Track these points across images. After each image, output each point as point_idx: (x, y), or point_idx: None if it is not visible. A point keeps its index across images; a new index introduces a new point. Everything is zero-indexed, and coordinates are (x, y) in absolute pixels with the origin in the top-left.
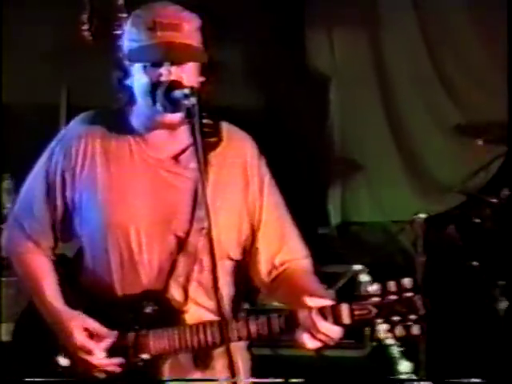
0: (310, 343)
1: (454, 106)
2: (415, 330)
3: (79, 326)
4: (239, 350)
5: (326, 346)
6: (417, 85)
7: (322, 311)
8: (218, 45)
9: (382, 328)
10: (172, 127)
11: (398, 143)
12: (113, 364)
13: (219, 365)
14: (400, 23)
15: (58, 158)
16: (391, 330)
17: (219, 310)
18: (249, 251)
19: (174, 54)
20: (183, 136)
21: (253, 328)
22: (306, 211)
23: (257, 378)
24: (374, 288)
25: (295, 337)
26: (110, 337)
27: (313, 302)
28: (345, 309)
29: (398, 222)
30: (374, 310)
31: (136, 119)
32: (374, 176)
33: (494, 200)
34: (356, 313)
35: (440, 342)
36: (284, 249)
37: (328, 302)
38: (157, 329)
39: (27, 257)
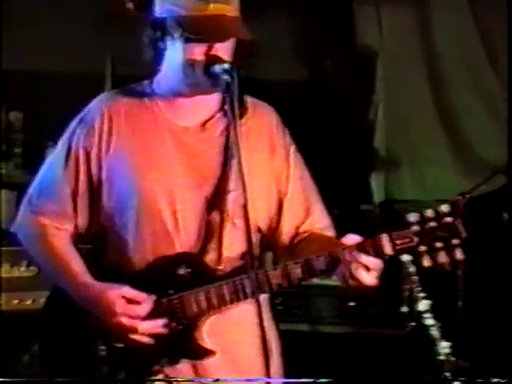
0: (354, 278)
1: (502, 85)
2: (459, 254)
3: (116, 294)
4: (270, 324)
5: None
6: (465, 64)
7: (362, 246)
8: (263, 19)
9: (427, 256)
10: (203, 97)
11: (443, 122)
12: (158, 325)
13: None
14: (450, 1)
15: (79, 138)
16: (434, 257)
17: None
18: (273, 220)
19: (226, 31)
20: (211, 104)
21: (293, 273)
22: (349, 188)
23: (290, 354)
24: (412, 217)
25: (336, 277)
26: (148, 300)
27: (351, 239)
28: (385, 239)
29: (441, 200)
30: (416, 239)
31: (162, 87)
32: (418, 154)
33: None
34: (397, 242)
35: (480, 324)
36: (309, 220)
37: (365, 238)
38: (192, 290)
39: (50, 241)
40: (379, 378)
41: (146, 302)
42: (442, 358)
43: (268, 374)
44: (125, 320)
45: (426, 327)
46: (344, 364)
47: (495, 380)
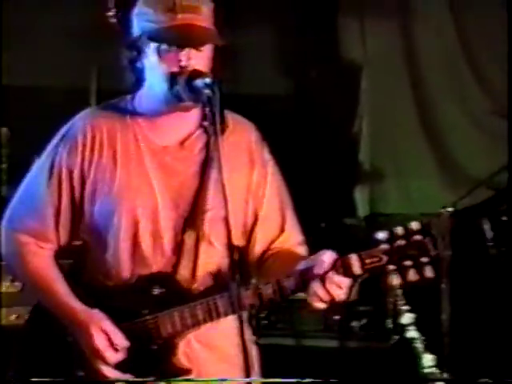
0: (324, 297)
1: (486, 98)
2: (428, 272)
3: (99, 328)
4: (249, 337)
5: (336, 303)
6: (448, 76)
7: (332, 264)
8: (247, 33)
9: (395, 274)
10: (184, 111)
11: (428, 135)
12: (124, 377)
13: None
14: (432, 13)
15: (62, 155)
16: (404, 275)
17: (231, 278)
18: (248, 236)
19: (196, 37)
20: (190, 120)
21: (264, 293)
22: (333, 202)
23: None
24: (381, 235)
25: (307, 296)
26: (124, 346)
27: (323, 256)
28: (355, 259)
29: (426, 214)
30: (385, 257)
31: (143, 104)
32: (403, 167)
33: None
34: (366, 261)
35: (464, 336)
36: (282, 236)
37: (335, 256)
38: (167, 310)
39: (32, 260)
40: None
41: (121, 351)
42: (426, 370)
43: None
44: (97, 360)
45: (410, 340)
46: (329, 378)
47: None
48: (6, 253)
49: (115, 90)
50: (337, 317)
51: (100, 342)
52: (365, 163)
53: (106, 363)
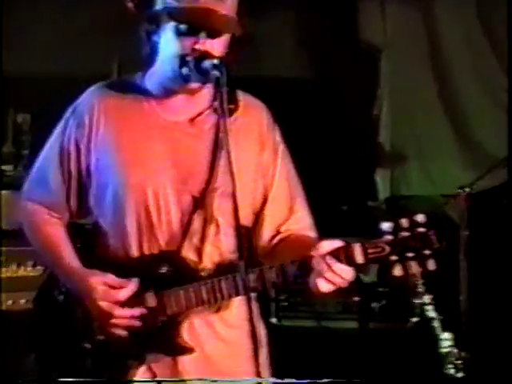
0: (324, 287)
1: (507, 78)
2: (430, 264)
3: (99, 280)
4: (257, 321)
5: (339, 289)
6: (471, 58)
7: (335, 253)
8: (269, 15)
9: (397, 265)
10: (193, 92)
11: (449, 116)
12: (134, 316)
13: (239, 335)
14: None
15: (71, 129)
16: (406, 267)
17: (238, 259)
18: (257, 217)
19: (216, 24)
20: (201, 100)
21: (267, 277)
22: (355, 185)
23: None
24: (386, 226)
25: (309, 283)
26: (130, 286)
27: (325, 245)
28: (358, 248)
29: (448, 195)
30: (388, 248)
31: (153, 81)
32: (424, 149)
33: None
34: (369, 251)
35: (483, 316)
36: (291, 219)
37: (340, 244)
38: (173, 288)
39: (43, 227)
40: (384, 374)
41: (127, 288)
42: (444, 350)
43: (257, 374)
44: (103, 304)
45: (429, 320)
46: (349, 359)
47: None
48: (22, 220)
49: None
50: (356, 298)
51: (100, 289)
52: (385, 145)
53: (110, 306)
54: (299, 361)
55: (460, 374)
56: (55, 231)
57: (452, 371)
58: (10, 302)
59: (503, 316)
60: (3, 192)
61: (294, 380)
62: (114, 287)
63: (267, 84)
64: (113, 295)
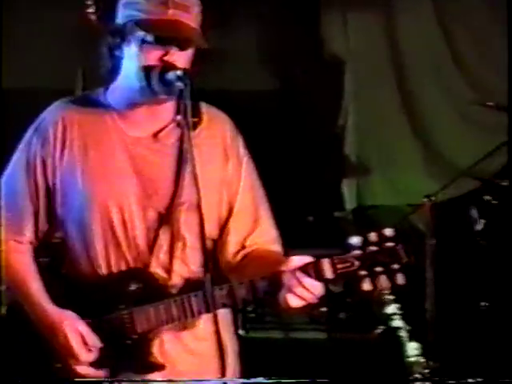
0: (293, 302)
1: (470, 89)
2: (399, 279)
3: (73, 328)
4: (227, 333)
5: (308, 305)
6: (431, 67)
7: (304, 268)
8: (231, 29)
9: (366, 280)
10: (156, 104)
11: (412, 127)
12: (98, 375)
13: (207, 348)
14: (414, 6)
15: (36, 147)
16: (375, 282)
17: (206, 278)
18: (222, 230)
19: (183, 36)
20: (164, 114)
21: (238, 293)
22: (321, 196)
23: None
24: (355, 241)
25: (278, 299)
26: (97, 347)
27: (295, 260)
28: (327, 264)
29: (413, 205)
30: (357, 263)
31: (116, 95)
32: (389, 159)
33: (507, 184)
34: (338, 266)
35: (449, 324)
36: (256, 231)
37: (309, 259)
38: (142, 306)
39: (10, 257)
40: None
41: (95, 351)
42: (411, 359)
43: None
44: (71, 359)
45: (395, 329)
46: (318, 369)
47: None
48: None
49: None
50: (324, 309)
51: (74, 342)
52: (351, 156)
53: (80, 362)
54: (267, 372)
55: (427, 383)
56: (22, 262)
57: (418, 380)
58: None
59: (469, 324)
60: None
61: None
62: (84, 341)
63: (232, 97)
64: (82, 357)
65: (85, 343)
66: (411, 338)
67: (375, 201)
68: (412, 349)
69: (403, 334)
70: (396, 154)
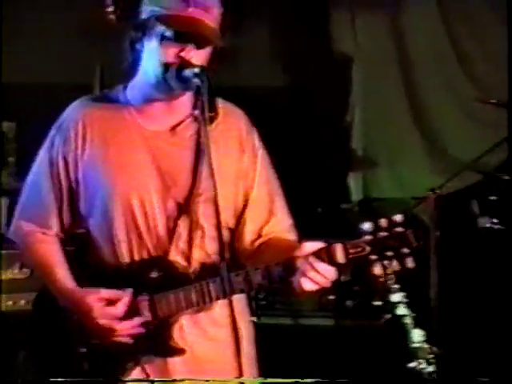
0: (307, 286)
1: (472, 85)
2: (409, 262)
3: (94, 298)
4: (242, 319)
5: (321, 289)
6: (436, 65)
7: (317, 254)
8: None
9: (377, 264)
10: (173, 99)
11: (417, 122)
12: (134, 325)
13: (224, 333)
14: (420, 4)
15: (58, 146)
16: (386, 265)
17: (222, 265)
18: (239, 220)
19: (203, 34)
20: (181, 108)
21: (254, 279)
22: (329, 188)
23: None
24: (366, 226)
25: (293, 283)
26: (124, 298)
27: (308, 246)
28: (339, 248)
29: (417, 198)
30: (368, 248)
31: (135, 92)
32: (394, 154)
33: (508, 178)
34: (350, 251)
35: (453, 312)
36: (272, 220)
37: (322, 245)
38: (163, 292)
39: (37, 247)
40: (358, 368)
41: (122, 302)
42: (416, 345)
43: (240, 367)
44: (103, 322)
45: (401, 317)
46: (325, 355)
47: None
48: (17, 241)
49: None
50: (331, 297)
51: (97, 308)
52: (358, 150)
53: (112, 322)
54: (279, 357)
55: (431, 368)
56: (50, 251)
57: (423, 365)
58: (10, 302)
59: (472, 312)
60: None
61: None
62: (109, 301)
63: (245, 93)
64: (110, 312)
65: (108, 302)
66: (416, 325)
67: (381, 193)
68: (417, 335)
69: (408, 321)
70: (401, 148)
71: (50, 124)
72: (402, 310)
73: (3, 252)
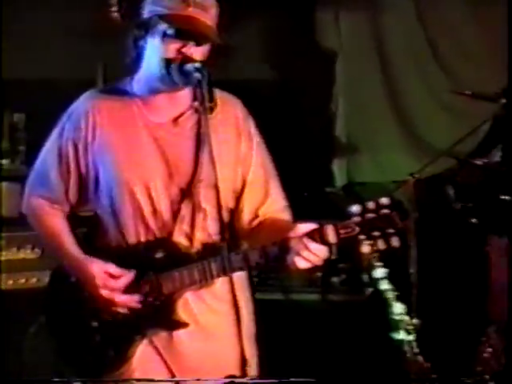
0: (301, 264)
1: (446, 77)
2: (394, 241)
3: (99, 268)
4: (243, 295)
5: (315, 267)
6: (413, 59)
7: (310, 234)
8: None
9: (366, 243)
10: (175, 92)
11: (396, 112)
12: (133, 300)
13: (226, 307)
14: (398, 4)
15: (68, 133)
16: (373, 244)
17: (223, 244)
18: (238, 201)
19: (200, 32)
20: (182, 100)
21: (251, 258)
22: (316, 173)
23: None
24: (354, 209)
25: (287, 262)
26: (128, 275)
27: (301, 227)
28: (331, 229)
29: (396, 181)
30: (357, 228)
31: (140, 84)
32: (375, 141)
33: (481, 163)
34: (341, 232)
35: (430, 287)
36: (267, 201)
37: (314, 226)
38: (168, 271)
39: (46, 218)
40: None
41: (125, 277)
42: (396, 317)
43: (240, 341)
44: (104, 292)
45: (383, 292)
46: (314, 327)
47: None
48: (27, 214)
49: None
50: (319, 273)
51: (101, 278)
52: (341, 139)
53: (113, 292)
54: (272, 329)
55: (411, 338)
56: (57, 222)
57: (403, 335)
58: (10, 281)
59: (448, 287)
60: (2, 184)
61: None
62: (112, 275)
63: (236, 85)
64: (112, 284)
65: (112, 276)
66: (397, 299)
67: (363, 178)
68: (398, 308)
69: (390, 295)
70: (381, 136)
71: (56, 115)
72: (384, 285)
73: (16, 234)
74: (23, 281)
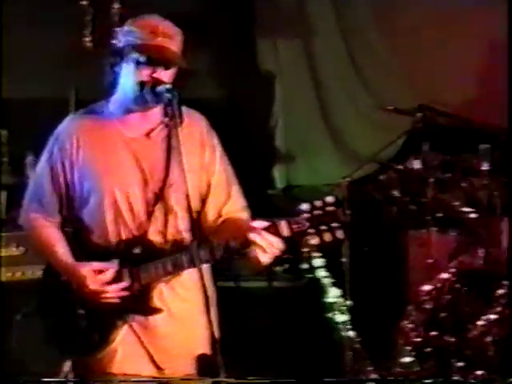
0: (263, 258)
1: (368, 95)
2: (339, 234)
3: (86, 269)
4: (209, 284)
5: (275, 258)
6: (340, 80)
7: (267, 229)
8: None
9: (315, 236)
10: (147, 110)
11: (327, 125)
12: (120, 288)
13: (195, 295)
14: (328, 34)
15: (56, 153)
16: (321, 237)
17: (192, 241)
18: (202, 203)
19: (168, 58)
20: (154, 117)
21: (216, 252)
22: (258, 177)
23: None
24: (304, 207)
25: (250, 257)
26: (111, 268)
27: (258, 224)
28: (284, 224)
29: (328, 184)
30: (307, 223)
31: (116, 105)
32: (311, 150)
33: (400, 167)
34: (293, 226)
35: (361, 273)
36: (229, 202)
37: (269, 223)
38: (145, 264)
39: (41, 230)
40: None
41: (110, 270)
42: (332, 300)
43: (209, 323)
44: (95, 287)
45: (320, 278)
46: (261, 310)
47: None
48: (26, 227)
49: (89, 101)
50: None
51: (90, 276)
52: (281, 148)
53: (102, 285)
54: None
55: (344, 318)
56: (52, 233)
57: (338, 316)
58: (9, 274)
59: (375, 273)
60: None
61: None
62: (99, 271)
63: (192, 103)
64: (100, 279)
65: (99, 272)
66: (332, 285)
67: (300, 181)
68: (333, 292)
69: (326, 281)
70: (315, 146)
71: (36, 131)
72: (321, 273)
73: (3, 234)
74: (10, 274)
